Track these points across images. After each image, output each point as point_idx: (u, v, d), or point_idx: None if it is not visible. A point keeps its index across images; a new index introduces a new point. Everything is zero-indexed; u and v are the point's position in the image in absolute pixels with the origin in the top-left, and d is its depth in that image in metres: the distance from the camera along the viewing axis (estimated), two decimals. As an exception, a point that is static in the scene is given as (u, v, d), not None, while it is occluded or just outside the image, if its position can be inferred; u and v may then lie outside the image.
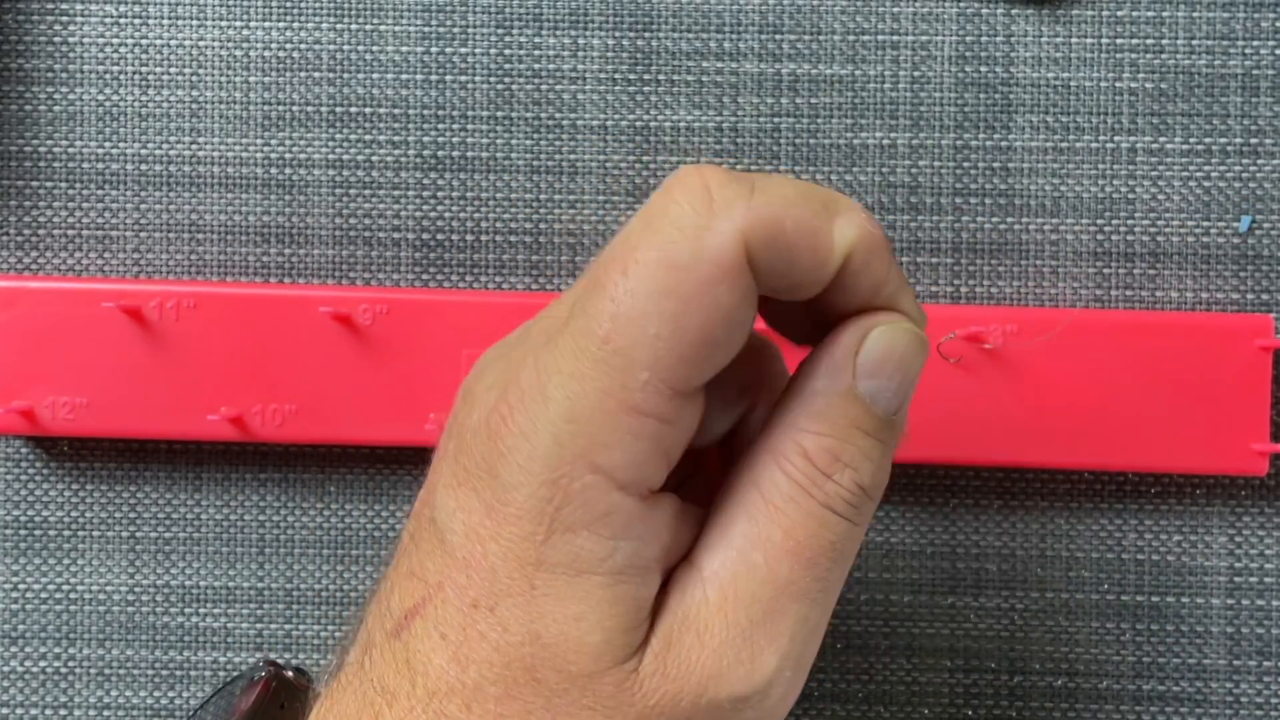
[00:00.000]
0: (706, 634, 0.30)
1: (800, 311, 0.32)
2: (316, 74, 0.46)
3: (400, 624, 0.31)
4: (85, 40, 0.46)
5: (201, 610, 0.46)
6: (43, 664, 0.46)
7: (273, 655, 0.46)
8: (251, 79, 0.46)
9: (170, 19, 0.46)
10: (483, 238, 0.46)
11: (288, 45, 0.46)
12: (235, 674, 0.43)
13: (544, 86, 0.46)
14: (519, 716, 0.29)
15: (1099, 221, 0.46)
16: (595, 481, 0.29)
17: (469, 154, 0.46)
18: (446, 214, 0.46)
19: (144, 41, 0.46)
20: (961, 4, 0.46)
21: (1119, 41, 0.46)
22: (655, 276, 0.28)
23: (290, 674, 0.40)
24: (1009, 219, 0.46)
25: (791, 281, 0.30)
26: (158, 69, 0.46)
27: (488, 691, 0.30)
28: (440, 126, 0.46)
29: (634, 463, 0.29)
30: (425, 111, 0.46)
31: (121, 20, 0.46)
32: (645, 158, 0.46)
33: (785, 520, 0.30)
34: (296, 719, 0.39)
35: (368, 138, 0.46)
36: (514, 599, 0.29)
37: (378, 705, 0.30)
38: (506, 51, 0.46)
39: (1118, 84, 0.46)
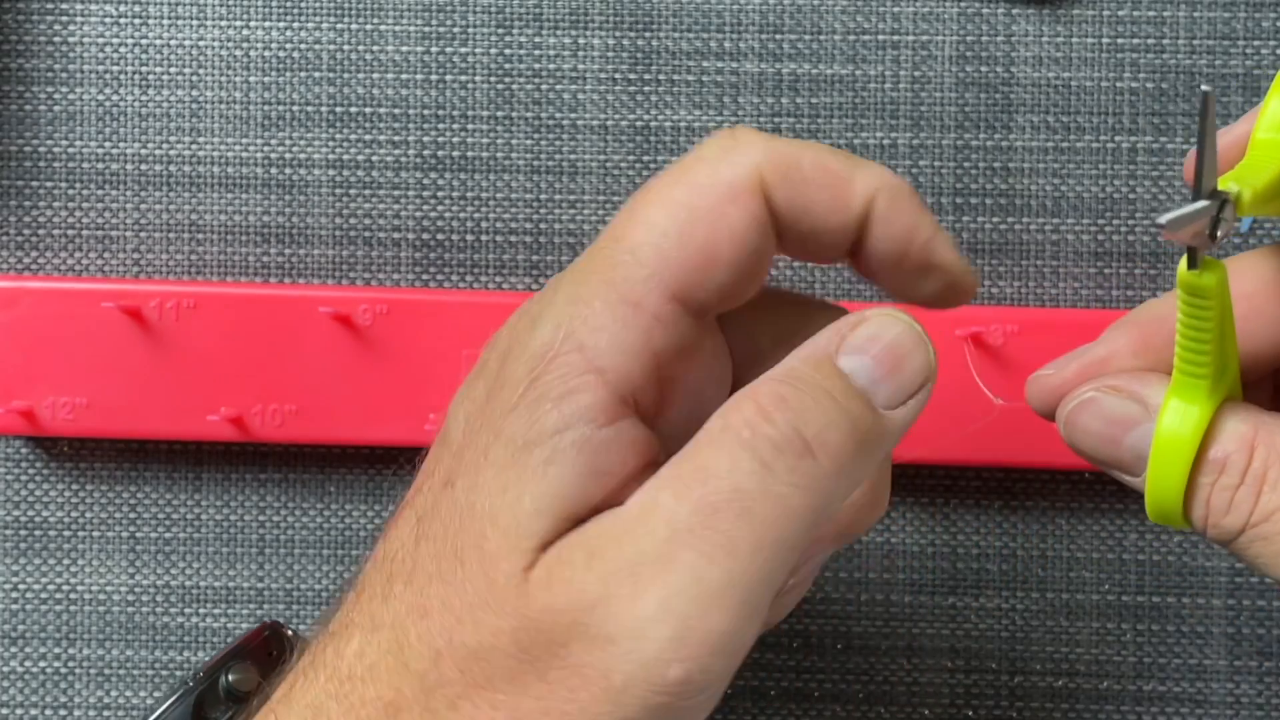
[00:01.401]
0: (598, 558, 0.27)
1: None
2: (316, 74, 0.46)
3: (390, 522, 0.31)
4: (85, 40, 0.46)
5: (201, 610, 0.46)
6: (43, 664, 0.46)
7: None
8: (251, 79, 0.46)
9: (170, 19, 0.46)
10: (483, 238, 0.46)
11: (288, 45, 0.46)
12: (237, 637, 0.44)
13: (544, 86, 0.46)
14: (440, 598, 0.28)
15: (1099, 221, 0.46)
16: (576, 360, 0.28)
17: (469, 154, 0.46)
18: (446, 214, 0.46)
19: (144, 41, 0.46)
20: (962, 4, 0.46)
21: (1120, 41, 0.46)
22: (672, 193, 0.29)
23: (289, 632, 0.41)
24: (1009, 219, 0.46)
25: (812, 223, 0.30)
26: (158, 69, 0.46)
27: (426, 569, 0.29)
28: (440, 126, 0.46)
29: (618, 349, 0.29)
30: (425, 111, 0.46)
31: (121, 20, 0.46)
32: (645, 158, 0.46)
33: (700, 459, 0.28)
34: (281, 665, 0.38)
35: (368, 138, 0.46)
36: (469, 472, 0.29)
37: (349, 602, 0.30)
38: (506, 51, 0.46)
39: (1118, 84, 0.46)
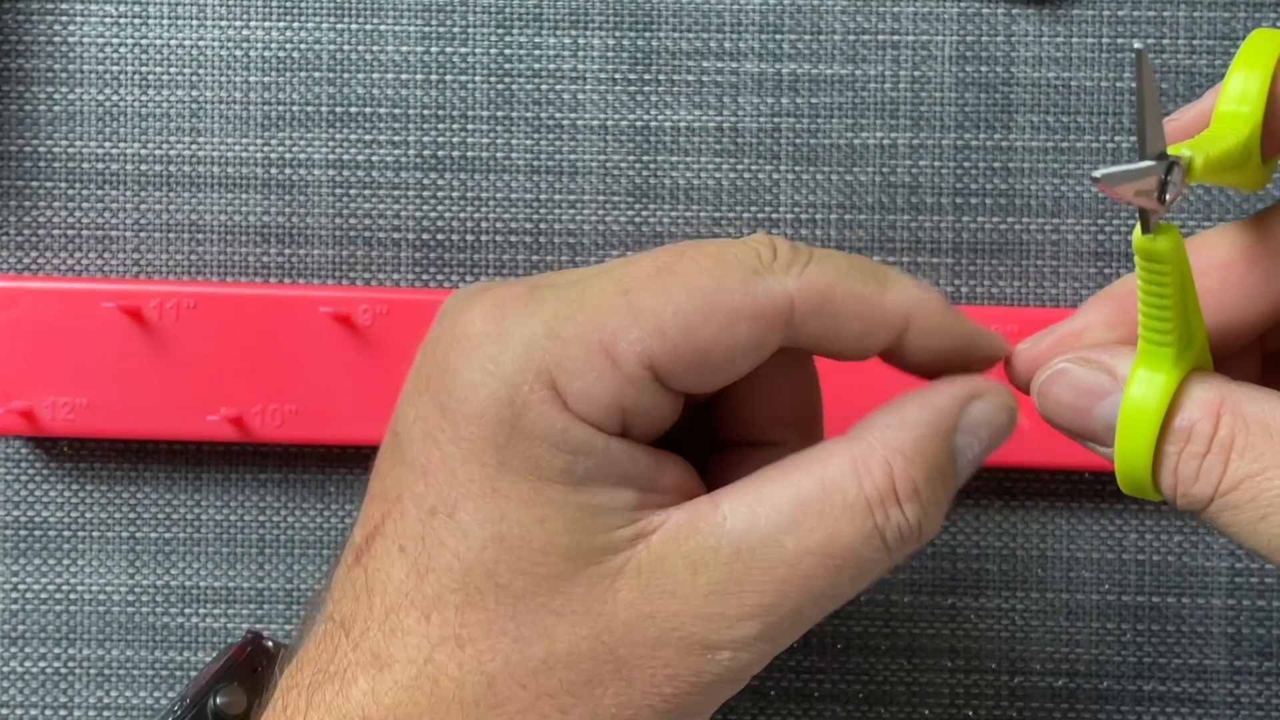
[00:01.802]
0: (703, 573, 0.29)
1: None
2: (316, 74, 0.46)
3: (360, 551, 0.31)
4: (85, 40, 0.46)
5: (201, 610, 0.46)
6: (43, 664, 0.46)
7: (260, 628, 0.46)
8: (251, 79, 0.46)
9: (170, 19, 0.46)
10: (483, 238, 0.46)
11: (288, 45, 0.46)
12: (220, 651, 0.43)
13: (544, 86, 0.46)
14: (481, 625, 0.29)
15: (1099, 221, 0.46)
16: (552, 399, 0.29)
17: (469, 154, 0.46)
18: (446, 214, 0.46)
19: (144, 41, 0.46)
20: (962, 4, 0.46)
21: (1119, 41, 0.46)
22: (699, 279, 0.30)
23: (270, 644, 0.41)
24: (1009, 219, 0.46)
25: (840, 346, 0.31)
26: (158, 69, 0.46)
27: (448, 600, 0.29)
28: (440, 126, 0.46)
29: (590, 399, 0.29)
30: (425, 111, 0.46)
31: (121, 20, 0.46)
32: (645, 158, 0.46)
33: (834, 525, 0.30)
34: (268, 680, 0.38)
35: (368, 138, 0.46)
36: (473, 501, 0.29)
37: (336, 638, 0.30)
38: (506, 51, 0.46)
39: (1118, 84, 0.46)
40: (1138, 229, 0.28)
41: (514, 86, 0.46)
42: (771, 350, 0.31)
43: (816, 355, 0.32)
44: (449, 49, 0.46)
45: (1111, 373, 0.31)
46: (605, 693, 0.29)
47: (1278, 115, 0.30)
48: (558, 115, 0.46)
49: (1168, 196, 0.27)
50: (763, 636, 0.30)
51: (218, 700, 0.40)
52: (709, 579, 0.29)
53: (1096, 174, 0.27)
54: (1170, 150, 0.28)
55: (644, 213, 0.46)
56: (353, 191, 0.46)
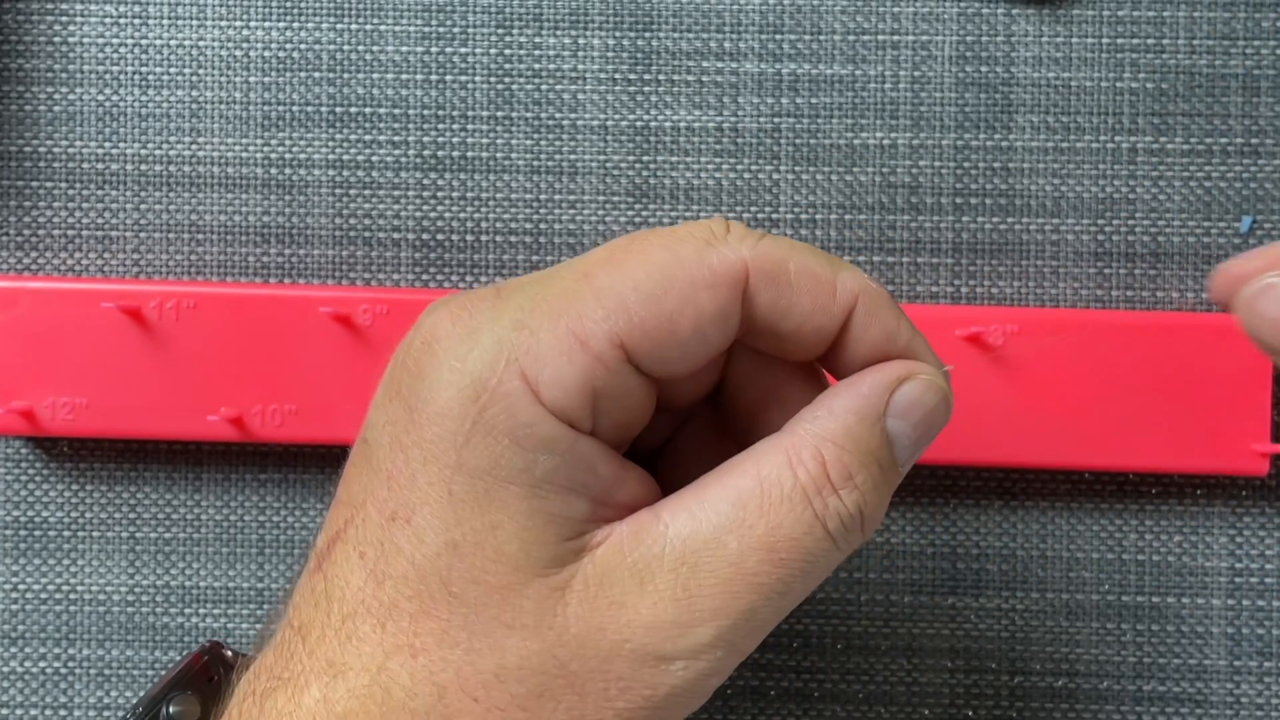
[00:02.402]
0: (650, 584, 0.29)
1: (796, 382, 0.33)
2: (316, 74, 0.46)
3: (321, 556, 0.30)
4: (85, 40, 0.46)
5: (201, 610, 0.46)
6: (43, 664, 0.46)
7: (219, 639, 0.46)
8: (251, 79, 0.46)
9: (170, 19, 0.46)
10: (483, 238, 0.46)
11: (288, 45, 0.46)
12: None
13: (544, 86, 0.46)
14: (434, 634, 0.29)
15: (1099, 222, 0.46)
16: (522, 389, 0.29)
17: (469, 154, 0.46)
18: (446, 214, 0.46)
19: (144, 41, 0.46)
20: (962, 4, 0.46)
21: (1119, 41, 0.46)
22: (655, 254, 0.30)
23: (229, 653, 0.40)
24: (1009, 219, 0.46)
25: (793, 323, 0.31)
26: (158, 69, 0.46)
27: (403, 608, 0.29)
28: (440, 126, 0.46)
29: (562, 384, 0.29)
30: (425, 111, 0.46)
31: (121, 20, 0.46)
32: (645, 158, 0.46)
33: (774, 517, 0.30)
34: (225, 689, 0.38)
35: (368, 138, 0.46)
36: (431, 507, 0.29)
37: (293, 644, 0.30)
38: (506, 51, 0.46)
39: (1118, 84, 0.46)
40: None
41: (514, 86, 0.46)
42: (734, 324, 0.30)
43: (765, 347, 0.32)
44: (449, 49, 0.46)
45: None
46: (558, 707, 0.29)
47: None
48: (558, 115, 0.46)
49: None
50: (717, 643, 0.29)
51: (170, 709, 0.39)
52: (655, 588, 0.29)
53: None
54: None
55: (644, 213, 0.46)
56: (353, 191, 0.46)
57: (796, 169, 0.46)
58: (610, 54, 0.46)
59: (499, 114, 0.46)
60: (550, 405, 0.29)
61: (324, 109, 0.46)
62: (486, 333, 0.30)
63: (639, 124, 0.46)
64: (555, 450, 0.29)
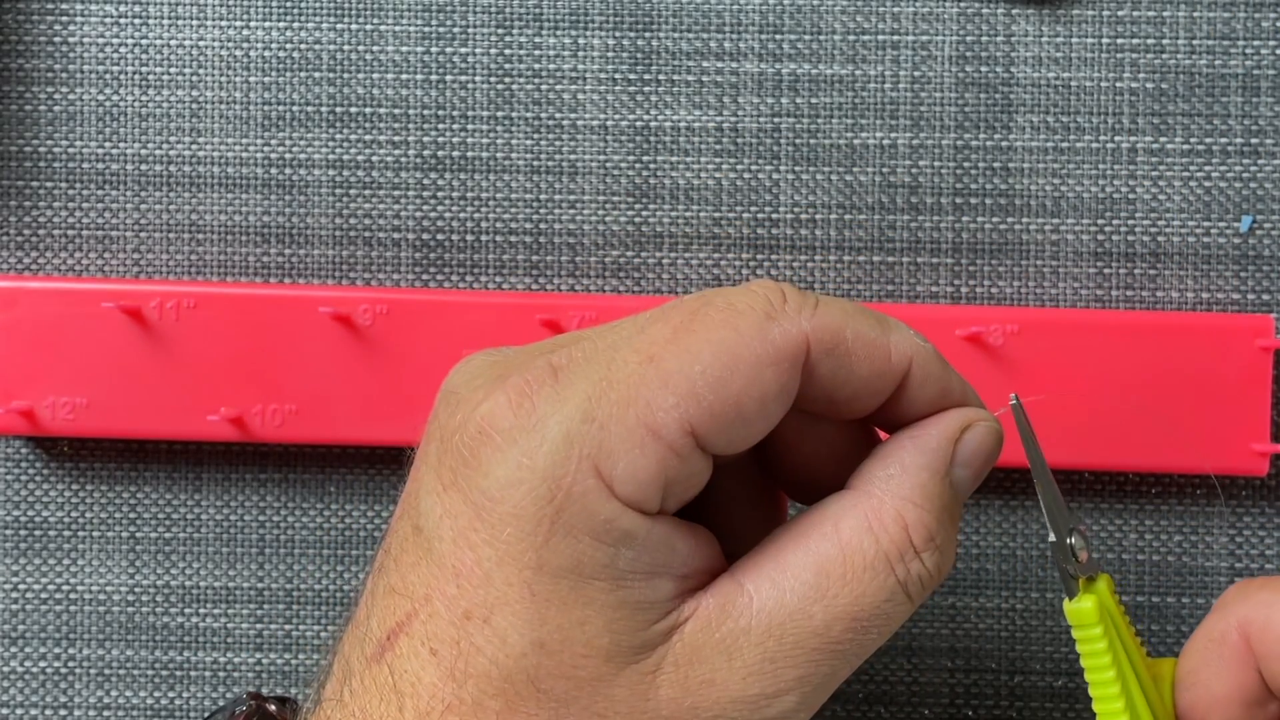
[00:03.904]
0: (738, 658, 0.30)
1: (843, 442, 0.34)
2: (316, 74, 0.46)
3: (382, 645, 0.30)
4: (85, 40, 0.46)
5: (201, 610, 0.46)
6: (43, 664, 0.46)
7: (261, 688, 0.46)
8: (251, 79, 0.46)
9: (170, 19, 0.46)
10: (483, 238, 0.46)
11: (288, 45, 0.46)
12: (218, 707, 0.42)
13: (544, 86, 0.46)
14: None
15: (1099, 221, 0.46)
16: (598, 486, 0.29)
17: (469, 154, 0.46)
18: (446, 214, 0.46)
19: (144, 41, 0.46)
20: (962, 4, 0.46)
21: (1119, 41, 0.46)
22: (718, 334, 0.30)
23: (273, 706, 0.39)
24: (1009, 219, 0.46)
25: (852, 390, 0.31)
26: (158, 69, 0.46)
27: (488, 706, 0.29)
28: (440, 126, 0.46)
29: (635, 478, 0.29)
30: (425, 111, 0.46)
31: (121, 20, 0.46)
32: (645, 158, 0.46)
33: (859, 588, 0.30)
34: None
35: (368, 138, 0.46)
36: (511, 607, 0.29)
37: None
38: (506, 51, 0.46)
39: (1118, 84, 0.46)
40: (1065, 603, 0.33)
41: (514, 86, 0.46)
42: (793, 394, 0.31)
43: (823, 412, 0.32)
44: (449, 49, 0.46)
45: None
46: None
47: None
48: (558, 115, 0.46)
49: (1079, 555, 0.33)
50: (800, 707, 0.30)
51: None
52: (744, 662, 0.30)
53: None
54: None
55: (644, 213, 0.46)
56: (353, 191, 0.46)
57: (796, 169, 0.46)
58: (610, 54, 0.46)
59: (499, 114, 0.46)
60: (625, 499, 0.29)
61: (324, 109, 0.46)
62: (553, 425, 0.29)
63: (639, 124, 0.46)
64: (634, 543, 0.29)
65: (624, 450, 0.29)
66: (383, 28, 0.46)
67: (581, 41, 0.46)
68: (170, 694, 0.46)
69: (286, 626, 0.46)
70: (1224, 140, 0.45)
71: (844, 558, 0.30)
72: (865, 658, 0.31)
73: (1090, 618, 0.32)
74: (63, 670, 0.46)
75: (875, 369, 0.31)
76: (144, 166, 0.46)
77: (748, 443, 0.31)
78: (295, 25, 0.46)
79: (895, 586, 0.30)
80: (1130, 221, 0.45)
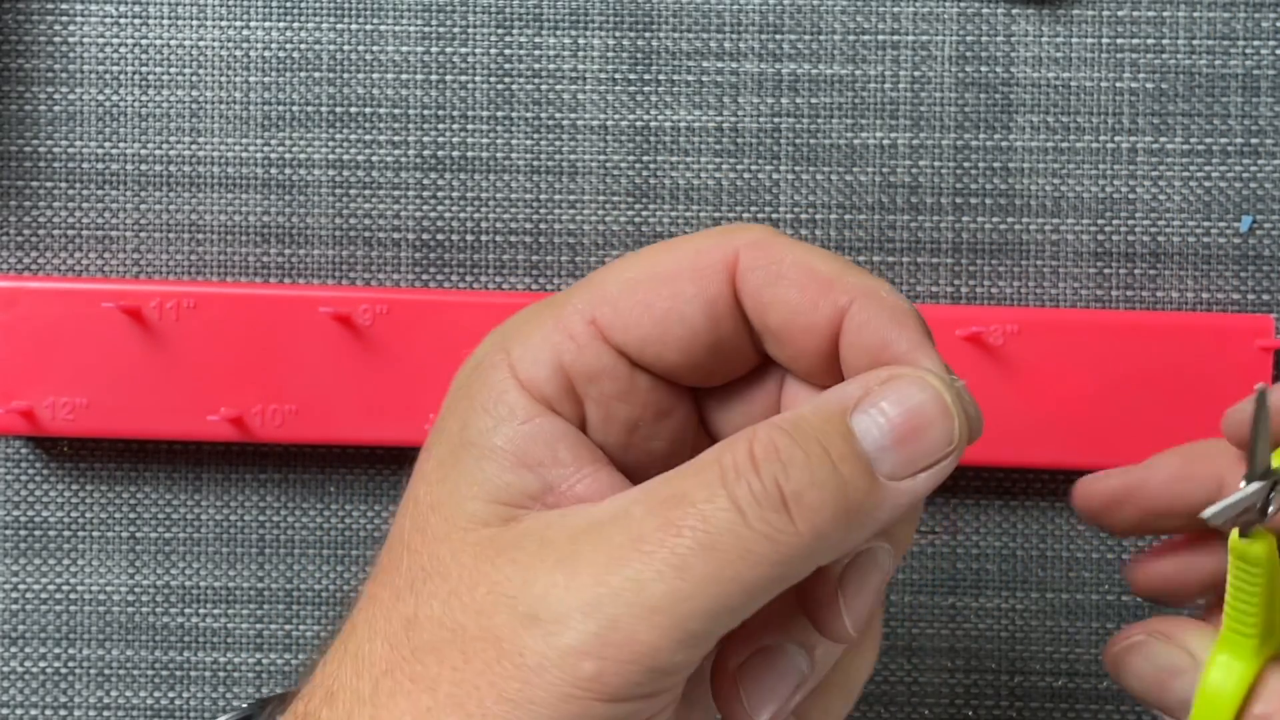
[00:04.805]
0: (550, 546, 0.28)
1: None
2: (316, 74, 0.46)
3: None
4: (85, 40, 0.46)
5: (201, 610, 0.46)
6: (43, 664, 0.46)
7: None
8: (251, 79, 0.46)
9: (170, 19, 0.46)
10: (483, 238, 0.46)
11: (288, 45, 0.46)
12: (225, 715, 0.42)
13: (544, 86, 0.46)
14: (383, 583, 0.29)
15: (1099, 221, 0.46)
16: (501, 363, 0.30)
17: (469, 154, 0.46)
18: (446, 214, 0.46)
19: (144, 41, 0.46)
20: (962, 4, 0.46)
21: (1119, 41, 0.46)
22: (652, 256, 0.30)
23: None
24: (1009, 219, 0.46)
25: (780, 317, 0.29)
26: (158, 69, 0.46)
27: (380, 562, 0.30)
28: (440, 126, 0.46)
29: (532, 358, 0.30)
30: (425, 111, 0.46)
31: (121, 20, 0.46)
32: (645, 158, 0.46)
33: (681, 484, 0.27)
34: None
35: (368, 138, 0.46)
36: (418, 472, 0.30)
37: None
38: (506, 51, 0.46)
39: (1118, 84, 0.46)
40: (1234, 531, 0.30)
41: (514, 86, 0.46)
42: (723, 309, 0.30)
43: (774, 355, 0.31)
44: (449, 49, 0.46)
45: (1190, 653, 0.32)
46: (443, 666, 0.27)
47: None
48: (558, 115, 0.46)
49: (1271, 509, 0.29)
50: (589, 611, 0.26)
51: None
52: (555, 551, 0.27)
53: (1206, 515, 0.29)
54: (1275, 459, 0.29)
55: (644, 213, 0.46)
56: (353, 191, 0.46)
57: (796, 169, 0.46)
58: (610, 54, 0.46)
59: (499, 114, 0.46)
60: (522, 377, 0.29)
61: (324, 109, 0.46)
62: (492, 333, 0.31)
63: (639, 124, 0.46)
64: (516, 419, 0.29)
65: (527, 333, 0.30)
66: (383, 28, 0.46)
67: (581, 41, 0.46)
68: (170, 694, 0.46)
69: (286, 626, 0.46)
70: (1224, 140, 0.45)
71: (682, 469, 0.28)
72: (692, 584, 0.26)
73: (1259, 560, 0.29)
74: (63, 670, 0.46)
75: (807, 297, 0.29)
76: (144, 166, 0.46)
77: (667, 347, 0.30)
78: (295, 25, 0.46)
79: (716, 485, 0.27)
80: (1130, 221, 0.45)
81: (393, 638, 0.28)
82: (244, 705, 0.40)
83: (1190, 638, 0.32)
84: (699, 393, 0.32)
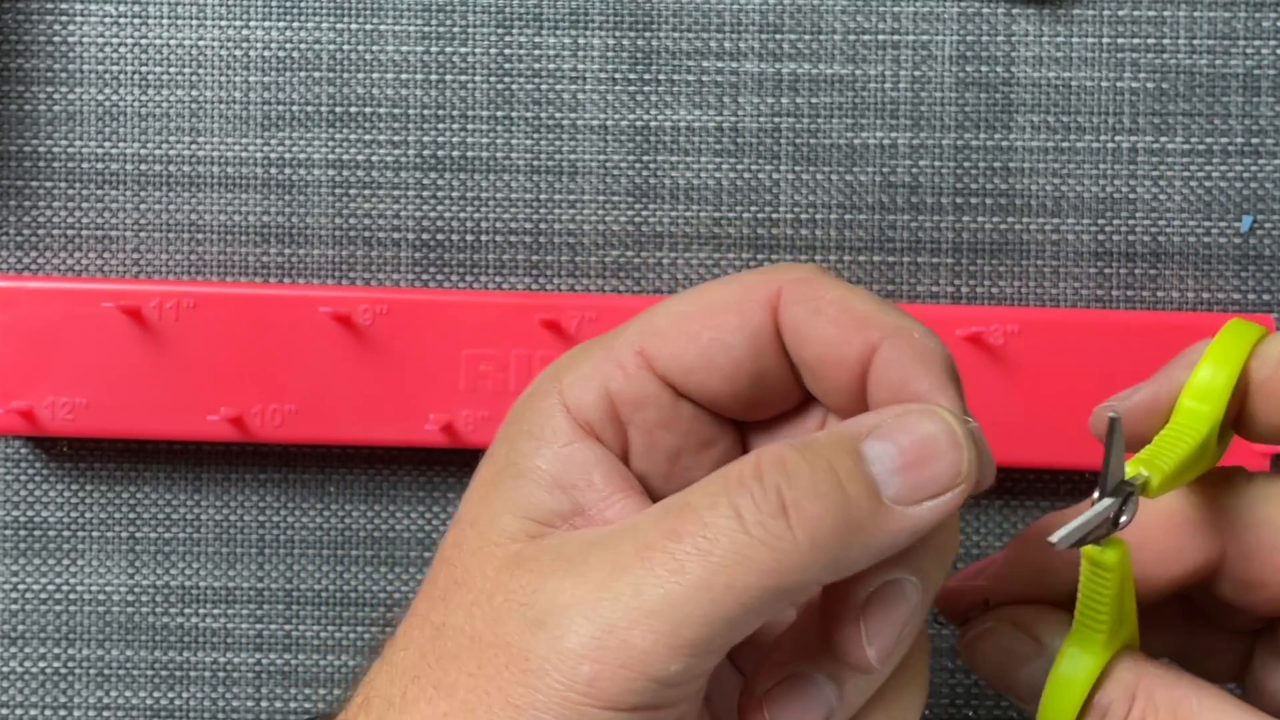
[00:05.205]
0: (563, 558, 0.28)
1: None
2: (316, 74, 0.46)
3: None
4: (85, 40, 0.46)
5: (201, 610, 0.46)
6: (43, 664, 0.46)
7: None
8: (251, 79, 0.46)
9: (170, 19, 0.46)
10: (483, 238, 0.46)
11: (288, 45, 0.46)
12: None
13: (544, 86, 0.46)
14: (423, 595, 0.30)
15: (1100, 221, 0.46)
16: (551, 390, 0.31)
17: (469, 154, 0.46)
18: (446, 214, 0.46)
19: (144, 41, 0.46)
20: (962, 4, 0.46)
21: (1120, 41, 0.46)
22: (702, 291, 0.31)
23: None
24: (1009, 219, 0.46)
25: (815, 351, 0.30)
26: (158, 69, 0.46)
27: (428, 576, 0.31)
28: (440, 126, 0.46)
29: (581, 384, 0.31)
30: (425, 111, 0.46)
31: (121, 20, 0.46)
32: (645, 158, 0.46)
33: (687, 496, 0.28)
34: None
35: (368, 138, 0.46)
36: (469, 492, 0.31)
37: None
38: (506, 51, 0.46)
39: (1119, 84, 0.46)
40: None
41: (514, 86, 0.46)
42: (765, 341, 0.30)
43: (811, 388, 0.31)
44: (449, 49, 0.46)
45: (1038, 639, 0.32)
46: (461, 673, 0.28)
47: (1248, 408, 0.31)
48: (558, 115, 0.46)
49: (1123, 521, 0.30)
50: (591, 615, 0.27)
51: None
52: (566, 561, 0.28)
53: (1053, 540, 0.29)
54: (1129, 466, 0.30)
55: (644, 213, 0.46)
56: (353, 191, 0.46)
57: (796, 169, 0.46)
58: (610, 54, 0.46)
59: (499, 114, 0.46)
60: (570, 404, 0.31)
61: (324, 109, 0.46)
62: (557, 361, 0.32)
63: (639, 124, 0.46)
64: (559, 442, 0.30)
65: (579, 364, 0.31)
66: (383, 28, 0.46)
67: (581, 41, 0.46)
68: (170, 694, 0.46)
69: (286, 626, 0.46)
70: (1224, 140, 0.45)
71: (699, 483, 0.28)
72: (692, 588, 0.26)
73: (1111, 566, 0.30)
74: (63, 670, 0.46)
75: (841, 333, 0.29)
76: (144, 166, 0.46)
77: (711, 376, 0.30)
78: (295, 25, 0.46)
79: (718, 494, 0.27)
80: (1130, 221, 0.45)
81: (423, 646, 0.29)
82: None
83: (1039, 625, 0.32)
84: (744, 428, 0.33)
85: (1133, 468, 0.30)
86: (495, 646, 0.28)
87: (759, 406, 0.32)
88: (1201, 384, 0.31)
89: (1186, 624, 0.35)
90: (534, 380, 0.32)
